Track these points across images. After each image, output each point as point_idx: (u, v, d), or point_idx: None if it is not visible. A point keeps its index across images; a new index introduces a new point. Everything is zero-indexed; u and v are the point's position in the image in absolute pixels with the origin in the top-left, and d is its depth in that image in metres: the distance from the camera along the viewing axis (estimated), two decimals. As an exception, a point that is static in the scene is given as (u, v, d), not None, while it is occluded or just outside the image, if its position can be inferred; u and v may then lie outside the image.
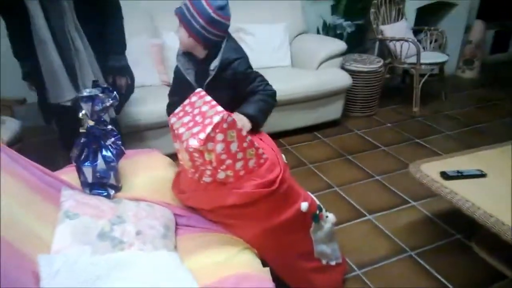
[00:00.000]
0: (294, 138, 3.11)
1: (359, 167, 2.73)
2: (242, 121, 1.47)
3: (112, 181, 1.33)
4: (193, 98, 1.38)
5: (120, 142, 1.35)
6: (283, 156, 1.53)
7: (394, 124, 3.37)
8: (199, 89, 1.42)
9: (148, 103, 2.61)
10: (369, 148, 2.99)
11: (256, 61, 3.14)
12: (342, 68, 3.29)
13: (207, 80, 1.58)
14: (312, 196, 1.58)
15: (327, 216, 1.61)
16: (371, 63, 3.36)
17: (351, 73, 3.28)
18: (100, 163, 1.27)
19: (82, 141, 1.26)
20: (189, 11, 1.47)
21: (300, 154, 2.90)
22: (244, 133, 1.29)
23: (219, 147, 1.25)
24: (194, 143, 1.23)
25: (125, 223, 1.25)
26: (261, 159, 1.35)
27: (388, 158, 2.85)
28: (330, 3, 3.68)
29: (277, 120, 3.00)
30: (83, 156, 1.27)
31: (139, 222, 1.27)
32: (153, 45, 2.84)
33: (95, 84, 1.25)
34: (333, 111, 3.23)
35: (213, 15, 1.48)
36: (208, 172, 1.31)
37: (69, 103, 1.89)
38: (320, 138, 3.14)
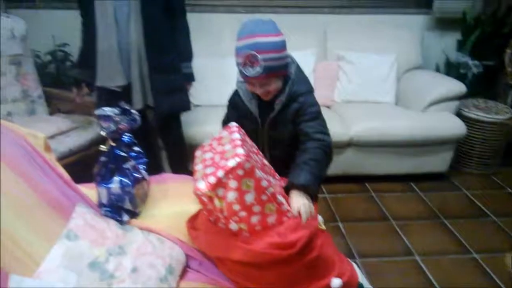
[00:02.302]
0: (383, 184, 2.72)
1: (454, 237, 2.24)
2: (305, 206, 1.18)
3: (127, 206, 1.24)
4: (223, 133, 1.22)
5: (143, 167, 1.26)
6: (320, 218, 1.26)
7: (518, 190, 2.73)
8: (232, 124, 1.25)
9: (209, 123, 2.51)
10: (475, 215, 2.45)
11: (354, 94, 2.90)
12: (458, 114, 2.80)
13: (271, 116, 1.41)
14: (356, 269, 1.28)
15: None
16: (497, 113, 2.79)
17: (469, 121, 2.77)
18: (115, 187, 1.19)
19: (102, 159, 1.20)
20: (266, 59, 1.25)
21: (384, 205, 2.52)
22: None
23: (231, 196, 1.06)
24: (202, 186, 1.06)
25: (124, 255, 1.14)
26: (284, 217, 1.12)
27: (497, 233, 2.29)
28: (457, 37, 3.18)
29: (366, 161, 2.67)
30: (100, 176, 1.20)
31: (140, 258, 1.15)
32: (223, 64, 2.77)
33: (117, 105, 1.18)
34: (439, 162, 2.75)
35: (279, 38, 1.29)
36: (222, 220, 1.13)
37: (118, 89, 2.00)
38: (415, 191, 2.70)
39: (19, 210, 1.11)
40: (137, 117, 1.20)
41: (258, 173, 1.06)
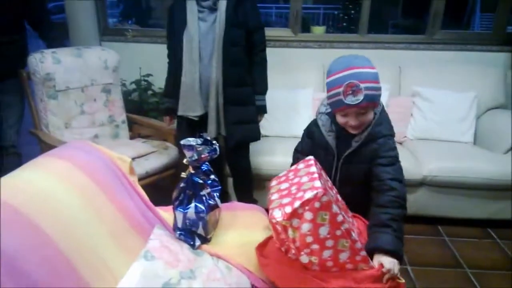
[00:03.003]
0: (457, 229, 2.55)
1: (537, 292, 2.04)
2: (396, 266, 1.18)
3: (200, 231, 1.29)
4: (300, 165, 1.25)
5: (217, 194, 1.31)
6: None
7: None
8: (310, 157, 1.27)
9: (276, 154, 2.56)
10: None
11: (428, 131, 2.80)
12: (544, 158, 2.59)
13: (348, 151, 1.42)
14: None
15: None
16: None
17: (556, 166, 2.54)
18: (191, 212, 1.26)
19: (181, 185, 1.28)
20: (367, 88, 1.28)
21: (459, 252, 2.36)
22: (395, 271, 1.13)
23: (305, 227, 1.07)
24: (278, 215, 1.09)
25: (195, 279, 1.18)
26: (357, 256, 1.10)
27: None
28: (543, 76, 2.98)
29: (441, 203, 2.54)
30: (178, 201, 1.27)
31: (208, 283, 1.19)
32: (316, 99, 2.81)
33: (200, 135, 1.26)
34: (520, 208, 2.54)
35: (375, 70, 1.32)
36: (293, 251, 1.14)
37: (196, 118, 2.15)
38: (493, 238, 2.50)
39: (109, 228, 1.21)
40: (217, 148, 1.26)
41: (335, 207, 1.07)
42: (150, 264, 1.18)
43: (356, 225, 1.29)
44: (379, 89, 1.31)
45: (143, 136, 2.83)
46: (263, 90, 2.25)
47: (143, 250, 1.22)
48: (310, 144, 1.53)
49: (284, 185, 1.19)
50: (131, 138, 2.77)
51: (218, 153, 1.27)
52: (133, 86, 3.19)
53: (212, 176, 1.32)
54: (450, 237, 2.50)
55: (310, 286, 1.10)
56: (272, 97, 2.47)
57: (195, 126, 2.19)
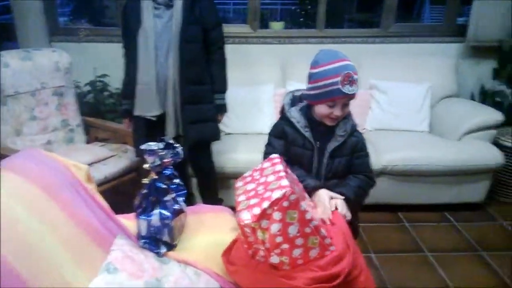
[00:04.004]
0: (417, 214, 2.66)
1: (493, 271, 2.15)
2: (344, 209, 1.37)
3: (166, 238, 1.25)
4: (265, 164, 1.24)
5: (182, 198, 1.28)
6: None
7: (561, 222, 2.62)
8: (274, 155, 1.26)
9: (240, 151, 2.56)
10: (515, 248, 2.36)
11: (386, 123, 2.87)
12: (496, 143, 2.73)
13: (335, 145, 1.46)
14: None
15: None
16: (536, 142, 2.71)
17: (507, 150, 2.70)
18: (155, 219, 1.22)
19: (143, 192, 1.23)
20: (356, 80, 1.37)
21: (419, 237, 2.45)
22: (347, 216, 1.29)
23: (275, 228, 1.06)
24: (246, 217, 1.07)
25: (162, 289, 1.15)
26: (326, 251, 1.11)
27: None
28: (492, 65, 3.14)
29: (400, 191, 2.62)
30: (141, 208, 1.23)
31: (177, 291, 1.16)
32: (277, 94, 2.81)
33: (161, 139, 1.22)
34: (475, 192, 2.67)
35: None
36: (261, 253, 1.13)
37: (153, 118, 2.10)
38: (450, 222, 2.62)
39: (66, 244, 1.15)
40: (180, 152, 1.22)
41: (303, 205, 1.07)
42: (112, 277, 1.13)
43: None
44: None
45: (101, 139, 2.73)
46: (223, 88, 2.22)
47: (104, 263, 1.17)
48: (282, 144, 1.51)
49: (250, 186, 1.18)
50: (88, 142, 2.67)
51: (181, 157, 1.23)
52: (88, 87, 3.06)
53: (177, 180, 1.27)
54: (410, 222, 2.59)
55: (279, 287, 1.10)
56: (233, 94, 2.45)
57: (153, 127, 2.13)
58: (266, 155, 1.49)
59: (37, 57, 2.42)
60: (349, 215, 1.37)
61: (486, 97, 3.12)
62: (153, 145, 1.17)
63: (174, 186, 1.27)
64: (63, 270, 1.09)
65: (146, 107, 2.10)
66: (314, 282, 1.07)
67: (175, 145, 1.21)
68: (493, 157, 2.56)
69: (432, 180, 2.60)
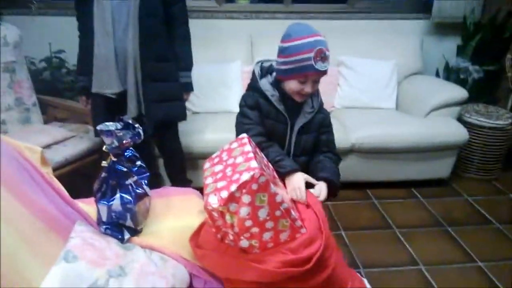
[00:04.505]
0: (385, 191, 2.69)
1: (459, 245, 2.21)
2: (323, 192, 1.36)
3: (129, 223, 1.18)
4: (234, 145, 1.17)
5: (145, 181, 1.21)
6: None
7: (520, 195, 2.72)
8: (243, 135, 1.20)
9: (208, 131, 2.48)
10: (479, 222, 2.43)
11: (354, 100, 2.86)
12: (460, 119, 2.78)
13: (304, 121, 1.44)
14: (367, 285, 1.24)
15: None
16: (498, 118, 2.78)
17: (470, 126, 2.75)
18: (116, 204, 1.14)
19: (102, 175, 1.15)
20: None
21: (387, 213, 2.48)
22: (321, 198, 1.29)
23: (244, 211, 1.01)
24: (214, 201, 1.02)
25: (126, 276, 1.08)
26: (297, 234, 1.08)
27: (502, 241, 2.26)
28: (456, 42, 3.17)
29: (369, 168, 2.63)
30: (100, 192, 1.15)
31: (142, 279, 1.09)
32: (245, 72, 2.73)
33: (120, 119, 1.13)
34: (440, 168, 2.73)
35: None
36: (230, 237, 1.08)
37: (113, 96, 1.98)
38: (417, 197, 2.67)
39: (19, 233, 1.06)
40: (141, 131, 1.14)
41: (273, 187, 1.02)
42: (71, 266, 1.05)
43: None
44: None
45: (60, 119, 2.58)
46: (188, 66, 2.11)
47: (63, 251, 1.09)
48: (258, 116, 1.42)
49: (218, 167, 1.12)
50: (46, 122, 2.51)
51: (142, 137, 1.15)
52: (44, 64, 2.86)
53: (138, 162, 1.20)
54: (379, 199, 2.62)
55: (249, 271, 1.06)
56: (199, 72, 2.36)
57: (114, 106, 2.01)
58: (245, 126, 1.39)
59: (-17, 31, 2.23)
60: (323, 198, 1.34)
61: (450, 74, 3.15)
62: (110, 125, 1.08)
63: (136, 168, 1.20)
64: (18, 265, 1.01)
65: (105, 83, 1.96)
66: (284, 265, 1.04)
67: (134, 125, 1.12)
68: (459, 133, 2.61)
69: (399, 157, 2.62)
